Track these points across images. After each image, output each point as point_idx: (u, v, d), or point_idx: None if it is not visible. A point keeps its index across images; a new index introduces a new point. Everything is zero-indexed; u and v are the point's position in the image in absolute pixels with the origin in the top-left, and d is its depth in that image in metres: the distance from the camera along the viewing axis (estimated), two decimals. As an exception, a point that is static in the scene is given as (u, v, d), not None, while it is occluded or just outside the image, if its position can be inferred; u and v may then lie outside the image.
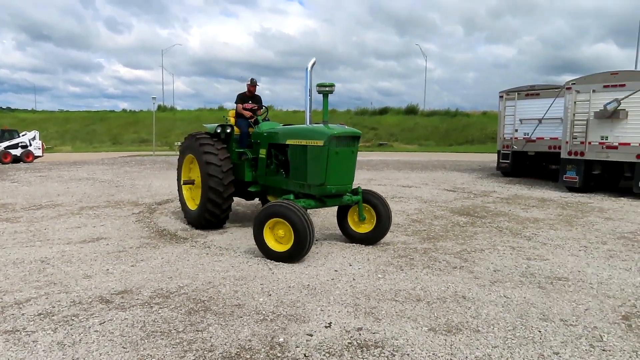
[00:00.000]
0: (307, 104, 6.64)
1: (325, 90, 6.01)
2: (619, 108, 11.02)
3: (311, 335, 3.77)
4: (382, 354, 3.46)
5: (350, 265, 5.69)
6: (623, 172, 11.72)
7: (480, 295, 4.69)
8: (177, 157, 8.14)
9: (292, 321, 4.04)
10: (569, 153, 12.11)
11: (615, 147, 11.30)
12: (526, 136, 14.99)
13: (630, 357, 3.48)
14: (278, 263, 5.71)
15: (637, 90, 10.75)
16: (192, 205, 7.73)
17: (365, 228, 6.63)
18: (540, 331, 3.90)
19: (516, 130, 15.34)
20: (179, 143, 29.69)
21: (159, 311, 4.23)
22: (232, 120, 7.79)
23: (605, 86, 11.41)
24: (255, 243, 5.92)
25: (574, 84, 12.01)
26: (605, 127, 11.42)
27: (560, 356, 3.48)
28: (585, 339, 3.77)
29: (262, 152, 7.10)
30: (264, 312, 4.22)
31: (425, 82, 76.26)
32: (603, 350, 3.59)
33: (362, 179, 14.78)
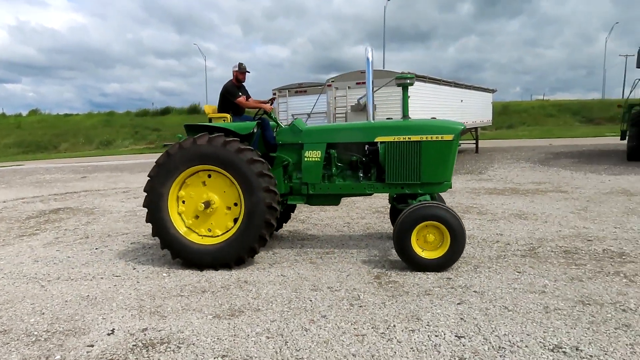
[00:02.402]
0: (370, 98, 5.98)
1: (406, 82, 5.76)
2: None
3: (92, 346, 3.63)
4: (169, 349, 3.54)
5: (134, 268, 5.55)
6: (378, 157, 13.74)
7: (260, 278, 5.09)
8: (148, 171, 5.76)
9: (70, 336, 3.81)
10: (335, 143, 13.65)
11: (370, 136, 13.14)
12: (300, 129, 16.30)
13: (379, 307, 4.23)
14: (52, 279, 5.25)
15: (382, 86, 12.67)
16: (202, 239, 5.51)
17: None
18: (311, 300, 4.45)
19: (291, 125, 16.56)
20: None
21: None
22: (225, 119, 6.19)
23: (357, 83, 13.17)
24: (396, 250, 5.21)
25: (333, 81, 13.56)
26: (360, 118, 13.16)
27: (326, 318, 4.04)
28: (347, 300, 4.44)
29: (314, 155, 5.79)
30: (36, 333, 3.88)
31: (206, 81, 76.08)
32: (360, 306, 4.28)
33: (142, 182, 14.21)
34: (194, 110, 50.06)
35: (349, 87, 13.30)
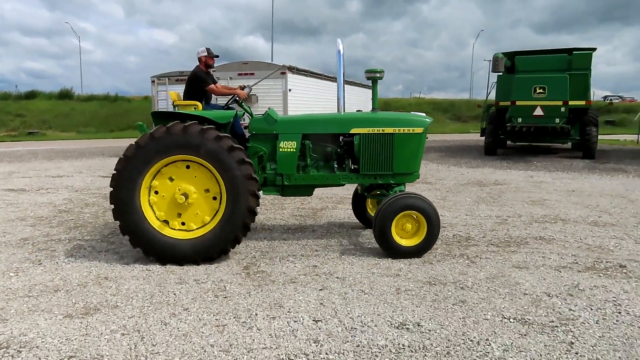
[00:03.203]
0: (341, 91, 5.93)
1: (376, 76, 5.80)
2: (251, 93, 12.79)
3: None
4: (7, 354, 3.26)
5: (-25, 270, 5.01)
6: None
7: (123, 273, 4.88)
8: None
9: None
10: (216, 134, 13.45)
11: (252, 127, 13.15)
12: (180, 119, 15.77)
13: (244, 297, 4.28)
14: None
15: (264, 78, 12.69)
16: (177, 234, 5.20)
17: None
18: (175, 294, 4.36)
19: (171, 114, 15.95)
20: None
21: None
22: (196, 107, 5.67)
23: (239, 74, 13.07)
24: (377, 239, 5.36)
25: (214, 71, 13.26)
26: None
27: (188, 310, 3.99)
28: (212, 291, 4.42)
29: (289, 146, 5.69)
30: None
31: (80, 64, 70.51)
32: (225, 297, 4.29)
33: (0, 173, 12.84)
34: (66, 95, 46.15)
35: (230, 78, 13.14)
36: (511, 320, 3.77)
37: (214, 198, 5.25)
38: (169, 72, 16.41)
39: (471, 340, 3.44)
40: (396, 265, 5.09)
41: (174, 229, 5.23)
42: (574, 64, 15.51)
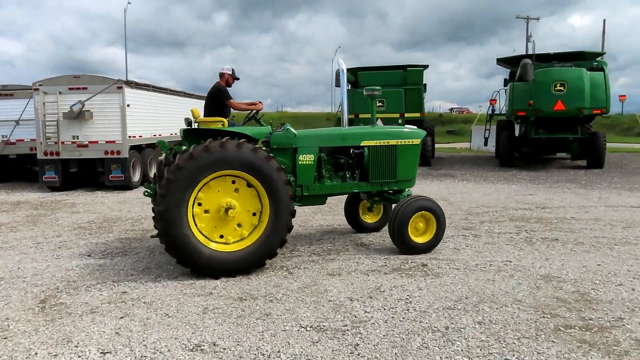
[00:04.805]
0: (345, 106, 6.79)
1: (374, 94, 6.35)
2: (84, 109, 11.88)
3: None
4: None
5: None
6: (97, 168, 12.77)
7: None
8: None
9: None
10: (45, 153, 12.22)
11: (86, 146, 12.18)
12: (4, 139, 14.09)
13: (29, 335, 3.82)
14: None
15: (97, 93, 11.89)
16: (219, 247, 5.26)
17: (373, 218, 7.41)
18: (-59, 341, 3.76)
19: (-8, 133, 14.19)
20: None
21: None
22: (223, 123, 5.79)
23: (70, 88, 12.05)
24: (396, 239, 5.95)
25: (41, 85, 12.13)
26: (75, 127, 12.11)
27: (-49, 359, 3.46)
28: (-10, 332, 3.89)
29: (308, 159, 6.04)
30: None
31: None
32: (4, 338, 3.81)
33: None
34: None
35: (60, 92, 12.02)
36: (308, 328, 3.85)
37: (254, 214, 5.40)
38: (-10, 86, 14.61)
39: (263, 354, 3.44)
40: (212, 284, 4.97)
41: (216, 242, 5.28)
42: (409, 80, 16.91)
